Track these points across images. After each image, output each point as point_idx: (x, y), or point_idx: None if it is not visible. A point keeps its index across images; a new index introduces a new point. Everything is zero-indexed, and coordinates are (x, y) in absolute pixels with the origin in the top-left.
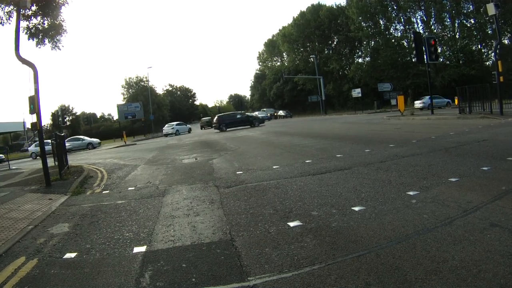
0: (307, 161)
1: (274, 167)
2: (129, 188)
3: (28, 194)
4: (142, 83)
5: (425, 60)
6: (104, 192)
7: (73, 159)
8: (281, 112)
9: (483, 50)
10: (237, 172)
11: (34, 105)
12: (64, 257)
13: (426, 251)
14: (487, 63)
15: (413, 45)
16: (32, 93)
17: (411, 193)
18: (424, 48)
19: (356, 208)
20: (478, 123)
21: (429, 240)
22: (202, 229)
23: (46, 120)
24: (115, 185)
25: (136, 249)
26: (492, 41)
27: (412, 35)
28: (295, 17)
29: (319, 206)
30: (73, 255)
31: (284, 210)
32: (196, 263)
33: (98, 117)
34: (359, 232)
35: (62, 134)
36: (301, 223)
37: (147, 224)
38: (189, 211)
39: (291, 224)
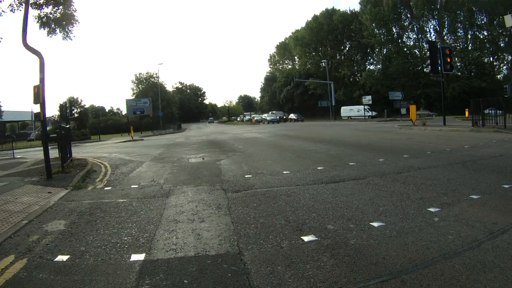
0: (319, 168)
1: (285, 172)
2: (132, 186)
3: (28, 185)
4: (152, 79)
5: (440, 70)
6: (106, 188)
7: (79, 152)
8: (292, 116)
9: (495, 63)
10: (246, 176)
11: (38, 95)
12: (56, 259)
13: (456, 279)
14: (498, 76)
15: (426, 54)
16: (37, 82)
17: (432, 209)
18: (438, 58)
19: (375, 224)
20: (491, 137)
21: (458, 266)
22: (207, 238)
23: (54, 112)
24: (118, 181)
25: (134, 257)
26: (505, 54)
27: (425, 44)
28: (308, 21)
29: (335, 219)
30: (65, 258)
31: (297, 222)
32: (199, 280)
33: (107, 111)
34: (380, 252)
35: (67, 126)
36: (316, 238)
37: (148, 227)
38: (193, 216)
39: (305, 238)
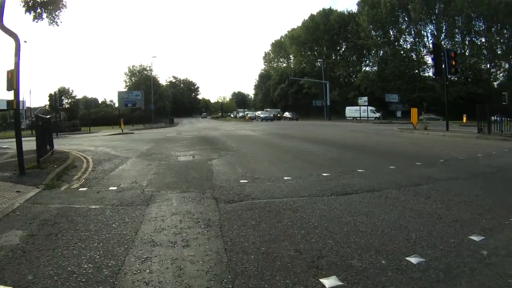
0: (324, 174)
1: (285, 178)
2: (111, 188)
3: None
4: (146, 72)
5: (444, 73)
6: (81, 189)
7: (65, 144)
8: (286, 114)
9: (491, 70)
10: (241, 181)
11: (12, 80)
12: None
13: None
14: (494, 83)
15: (423, 58)
16: (12, 67)
17: (475, 238)
18: (443, 61)
19: (413, 260)
20: (501, 145)
21: None
22: (191, 277)
23: (44, 102)
24: (96, 180)
25: None
26: (502, 61)
27: (422, 48)
28: (304, 20)
29: (360, 250)
30: None
31: (311, 252)
32: None
33: (100, 102)
34: None
35: (48, 116)
36: (341, 283)
37: (116, 251)
38: (176, 237)
39: (326, 283)
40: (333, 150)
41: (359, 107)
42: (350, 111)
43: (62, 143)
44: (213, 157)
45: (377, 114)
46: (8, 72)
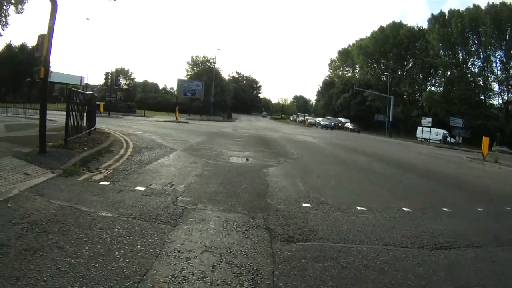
0: (404, 209)
1: (358, 207)
2: (138, 187)
3: (9, 158)
4: (209, 64)
5: None
6: (102, 183)
7: (114, 124)
8: (348, 124)
9: None
10: (304, 204)
11: (42, 45)
12: None
13: None
14: None
15: (490, 84)
16: (45, 31)
17: None
18: None
19: None
20: None
21: None
22: None
23: (101, 81)
24: (126, 173)
25: None
26: None
27: (489, 74)
28: (373, 31)
29: None
30: None
31: None
32: None
33: (161, 88)
34: None
35: (89, 93)
36: None
37: None
38: None
39: None
40: (406, 175)
41: (429, 128)
42: (422, 132)
43: (111, 123)
44: (270, 164)
45: (451, 139)
46: (39, 36)
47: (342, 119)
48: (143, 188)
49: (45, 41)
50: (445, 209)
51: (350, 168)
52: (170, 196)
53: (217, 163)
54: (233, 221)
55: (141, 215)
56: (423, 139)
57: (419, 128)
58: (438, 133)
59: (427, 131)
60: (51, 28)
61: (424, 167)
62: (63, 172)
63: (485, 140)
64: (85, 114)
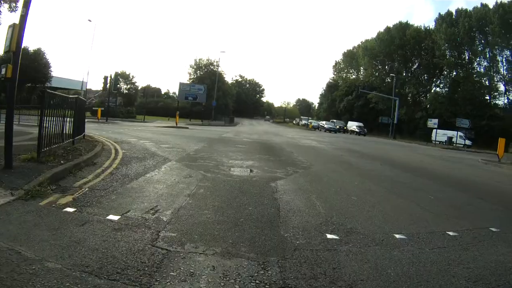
0: (450, 233)
1: (398, 236)
2: (109, 217)
3: None
4: (212, 67)
5: None
6: (67, 209)
7: (108, 130)
8: (354, 127)
9: None
10: (329, 236)
11: (12, 39)
12: None
13: None
14: None
15: (496, 85)
16: (16, 21)
17: None
18: None
19: None
20: None
21: None
22: None
23: (100, 85)
24: (102, 194)
25: None
26: None
27: (494, 74)
28: (379, 32)
29: None
30: None
31: None
32: None
33: (163, 93)
34: None
35: (75, 96)
36: None
37: None
38: None
39: None
40: (430, 183)
41: (448, 131)
42: (439, 134)
43: (107, 129)
44: (277, 176)
45: (468, 142)
46: (9, 27)
47: (353, 122)
48: (116, 218)
49: (15, 32)
50: (493, 229)
51: (366, 177)
52: (149, 231)
53: (215, 177)
54: (235, 275)
55: (101, 267)
56: (436, 142)
57: (434, 131)
58: (453, 135)
59: (442, 133)
60: (23, 17)
61: (443, 173)
62: (24, 194)
63: (501, 141)
64: (68, 120)
